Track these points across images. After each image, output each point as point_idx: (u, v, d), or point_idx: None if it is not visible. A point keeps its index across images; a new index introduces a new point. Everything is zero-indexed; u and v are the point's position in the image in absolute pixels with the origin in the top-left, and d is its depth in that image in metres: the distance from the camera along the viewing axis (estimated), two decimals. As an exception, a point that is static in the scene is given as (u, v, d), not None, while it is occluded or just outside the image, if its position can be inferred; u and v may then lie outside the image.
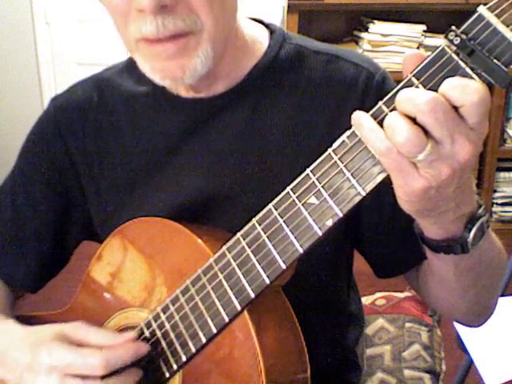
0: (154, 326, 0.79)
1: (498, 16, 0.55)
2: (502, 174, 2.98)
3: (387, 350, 1.19)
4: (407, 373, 1.15)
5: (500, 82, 0.56)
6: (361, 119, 0.59)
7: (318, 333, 0.90)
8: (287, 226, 0.67)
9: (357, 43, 2.91)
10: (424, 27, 2.83)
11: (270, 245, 0.68)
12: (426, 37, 2.84)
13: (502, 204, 2.99)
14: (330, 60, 0.87)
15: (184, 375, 0.77)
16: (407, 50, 2.84)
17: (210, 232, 0.82)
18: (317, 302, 0.89)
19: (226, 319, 0.72)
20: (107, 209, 0.92)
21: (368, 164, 0.60)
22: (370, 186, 0.61)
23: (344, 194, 0.62)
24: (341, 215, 0.63)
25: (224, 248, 0.72)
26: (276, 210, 0.67)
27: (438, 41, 2.75)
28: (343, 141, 0.62)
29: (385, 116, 0.58)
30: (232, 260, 0.72)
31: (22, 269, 0.96)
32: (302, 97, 0.85)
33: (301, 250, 0.66)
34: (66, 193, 0.94)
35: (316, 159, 0.64)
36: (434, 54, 0.57)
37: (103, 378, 0.74)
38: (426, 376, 1.14)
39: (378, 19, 2.83)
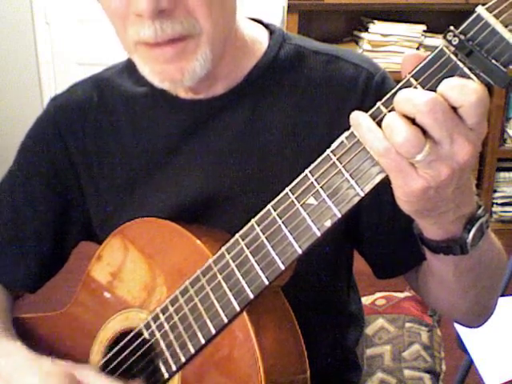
0: (154, 326, 0.79)
1: (496, 16, 0.55)
2: (502, 174, 2.98)
3: (387, 349, 1.19)
4: (407, 373, 1.15)
5: (499, 82, 0.56)
6: (359, 119, 0.59)
7: (318, 333, 0.90)
8: (286, 227, 0.67)
9: (357, 43, 2.91)
10: (424, 27, 2.83)
11: (268, 246, 0.68)
12: (426, 37, 2.84)
13: (502, 204, 2.99)
14: (330, 60, 0.87)
15: (183, 376, 0.77)
16: (407, 50, 2.84)
17: (209, 233, 0.82)
18: (317, 302, 0.89)
19: (225, 320, 0.72)
20: (107, 209, 0.92)
21: (367, 164, 0.60)
22: (368, 187, 0.61)
23: (343, 195, 0.62)
24: (339, 216, 0.63)
25: (223, 249, 0.72)
26: (275, 210, 0.67)
27: (438, 41, 2.75)
28: (342, 141, 0.62)
29: (383, 116, 0.58)
30: (231, 261, 0.72)
31: (22, 269, 0.96)
32: (301, 97, 0.85)
33: (300, 251, 0.66)
34: (65, 193, 0.94)
35: (315, 159, 0.64)
36: (433, 54, 0.57)
37: None
38: (426, 376, 1.14)
39: (378, 19, 2.83)
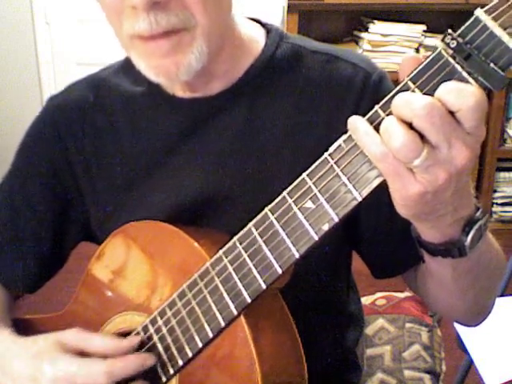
0: (151, 330, 0.79)
1: (494, 19, 0.54)
2: (502, 174, 2.98)
3: (387, 350, 1.19)
4: (407, 373, 1.14)
5: (496, 86, 0.55)
6: (356, 123, 0.58)
7: (318, 333, 0.90)
8: (283, 231, 0.66)
9: (357, 43, 2.91)
10: (424, 27, 2.83)
11: (266, 249, 0.68)
12: (425, 37, 2.84)
13: (502, 204, 2.99)
14: (328, 60, 0.87)
15: (181, 379, 0.77)
16: (407, 50, 2.84)
17: (208, 234, 0.82)
18: (316, 303, 0.89)
19: (223, 324, 0.72)
20: (106, 209, 0.92)
21: (364, 168, 0.60)
22: (366, 191, 0.60)
23: (340, 199, 0.62)
24: (337, 220, 0.63)
25: (220, 252, 0.72)
26: (272, 214, 0.67)
27: (438, 41, 2.75)
28: (339, 145, 0.61)
29: (381, 120, 0.57)
30: (229, 264, 0.71)
31: (21, 269, 0.96)
32: (299, 96, 0.85)
33: (297, 255, 0.66)
34: (64, 193, 0.93)
35: (314, 160, 0.63)
36: (431, 57, 0.57)
37: None
38: (426, 376, 1.14)
39: (378, 19, 2.83)
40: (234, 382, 0.72)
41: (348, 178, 0.61)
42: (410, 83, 0.57)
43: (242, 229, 0.71)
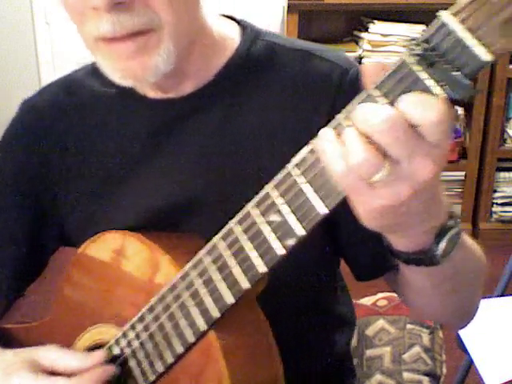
0: (123, 343, 0.78)
1: (461, 22, 0.50)
2: (502, 174, 2.97)
3: (387, 351, 1.19)
4: (406, 375, 1.14)
5: (462, 95, 0.51)
6: (321, 137, 0.55)
7: (306, 335, 0.89)
8: (251, 244, 0.64)
9: (357, 43, 2.91)
10: (424, 27, 2.81)
11: (233, 264, 0.66)
12: (426, 37, 2.83)
13: (502, 204, 2.99)
14: (304, 57, 0.85)
15: None
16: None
17: (181, 242, 0.81)
18: (301, 304, 0.88)
19: (193, 339, 0.70)
20: (81, 214, 0.90)
21: (330, 180, 0.57)
22: (332, 204, 0.57)
23: (306, 212, 0.59)
24: (303, 233, 0.60)
25: (189, 265, 0.70)
26: (240, 226, 0.65)
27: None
28: (305, 155, 0.58)
29: (343, 130, 0.54)
30: (197, 278, 0.69)
31: None
32: (275, 95, 0.83)
33: (264, 270, 0.64)
34: (39, 198, 0.92)
35: (290, 160, 0.60)
36: (395, 64, 0.53)
37: None
38: (426, 379, 1.14)
39: (378, 19, 2.83)
40: None
41: (314, 191, 0.58)
42: (373, 92, 0.54)
43: (218, 232, 0.68)
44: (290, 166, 0.60)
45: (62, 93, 0.92)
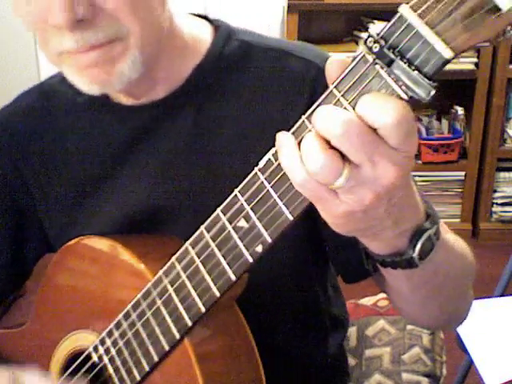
0: (101, 350, 0.77)
1: (421, 16, 0.47)
2: (502, 174, 2.97)
3: (387, 351, 1.18)
4: (405, 376, 1.14)
5: (422, 96, 0.49)
6: (282, 141, 0.54)
7: (296, 338, 0.88)
8: (219, 251, 0.63)
9: (357, 43, 2.90)
10: (424, 27, 2.82)
11: (203, 270, 0.65)
12: (425, 37, 2.83)
13: (502, 204, 2.99)
14: (279, 56, 0.83)
15: None
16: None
17: (156, 247, 0.80)
18: (289, 305, 0.87)
19: (167, 347, 0.69)
20: (58, 221, 0.90)
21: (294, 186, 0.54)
22: (297, 210, 0.55)
23: (272, 218, 0.57)
24: (270, 241, 0.58)
25: (161, 272, 0.70)
26: (208, 232, 0.64)
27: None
28: (269, 159, 0.56)
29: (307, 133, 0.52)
30: (169, 285, 0.69)
31: None
32: (249, 96, 0.82)
33: (234, 278, 0.62)
34: (18, 206, 0.91)
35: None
36: (354, 62, 0.51)
37: None
38: (425, 380, 1.13)
39: (378, 19, 2.83)
40: None
41: (279, 196, 0.56)
42: (335, 91, 0.51)
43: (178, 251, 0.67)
44: (256, 169, 0.58)
45: (36, 100, 0.91)
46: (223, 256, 0.63)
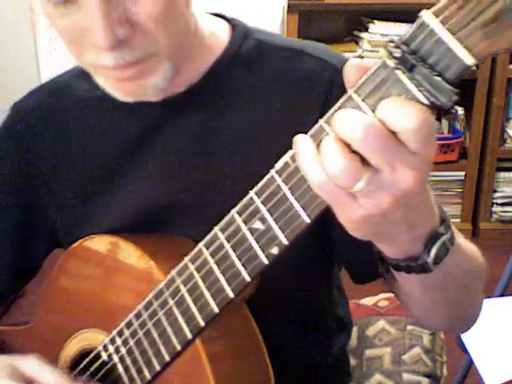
0: (111, 349, 0.77)
1: (443, 23, 0.48)
2: (502, 174, 2.97)
3: (387, 352, 1.18)
4: (406, 376, 1.14)
5: (444, 101, 0.49)
6: (301, 144, 0.53)
7: (301, 339, 0.88)
8: (234, 252, 0.63)
9: (357, 43, 2.91)
10: (424, 27, 2.82)
11: (217, 271, 0.65)
12: (426, 37, 2.83)
13: (502, 204, 2.99)
14: (293, 56, 0.83)
15: None
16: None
17: (168, 246, 0.80)
18: (294, 305, 0.87)
19: (179, 347, 0.70)
20: (69, 217, 0.90)
21: (311, 188, 0.54)
22: (314, 213, 0.55)
23: (288, 220, 0.57)
24: (286, 243, 0.58)
25: (174, 272, 0.70)
26: (223, 233, 0.64)
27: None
28: (286, 161, 0.56)
29: (325, 136, 0.52)
30: (182, 285, 0.69)
31: None
32: (262, 95, 0.82)
33: (248, 279, 0.62)
34: (28, 201, 0.92)
35: (275, 164, 0.59)
36: (375, 66, 0.51)
37: None
38: (425, 380, 1.13)
39: (378, 19, 2.83)
40: None
41: (295, 198, 0.56)
42: (354, 95, 0.51)
43: (204, 234, 0.67)
44: (272, 172, 0.58)
45: (48, 96, 0.91)
46: (238, 257, 0.63)
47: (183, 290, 0.68)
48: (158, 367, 0.72)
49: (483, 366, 1.43)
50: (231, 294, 0.64)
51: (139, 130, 0.84)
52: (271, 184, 0.58)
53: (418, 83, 0.49)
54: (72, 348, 0.84)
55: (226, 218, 0.63)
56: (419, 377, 1.14)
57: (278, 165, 0.57)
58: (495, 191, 2.99)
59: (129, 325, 0.75)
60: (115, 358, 0.76)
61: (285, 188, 0.57)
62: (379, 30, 2.82)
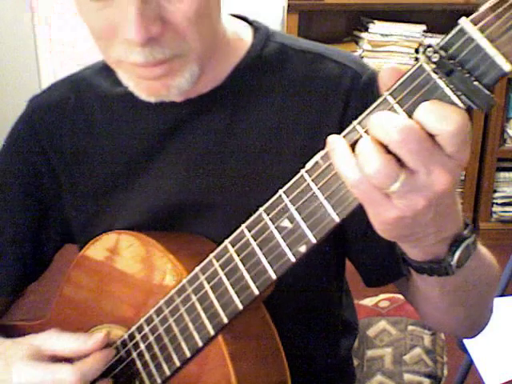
0: (130, 345, 0.77)
1: (481, 30, 0.49)
2: (502, 174, 2.97)
3: (388, 352, 1.18)
4: (407, 377, 1.14)
5: (481, 105, 0.50)
6: (335, 144, 0.55)
7: (311, 339, 0.88)
8: (260, 250, 0.64)
9: (357, 43, 2.91)
10: (424, 27, 2.82)
11: (243, 269, 0.65)
12: (425, 37, 2.83)
13: (502, 204, 2.99)
14: (315, 59, 0.84)
15: None
16: (407, 50, 2.84)
17: (188, 244, 0.81)
18: (307, 308, 0.87)
19: (200, 344, 0.70)
20: (86, 212, 0.90)
21: (342, 188, 0.56)
22: (345, 212, 0.57)
23: (318, 219, 0.58)
24: (314, 241, 0.59)
25: (197, 269, 0.70)
26: (249, 231, 0.64)
27: (438, 41, 2.74)
28: (316, 161, 0.58)
29: (359, 138, 0.54)
30: (205, 282, 0.69)
31: (1, 272, 0.94)
32: (284, 98, 0.83)
33: (274, 277, 0.63)
34: (43, 195, 0.92)
35: (297, 167, 0.60)
36: (412, 70, 0.52)
37: None
38: (427, 381, 1.13)
39: (378, 19, 2.83)
40: None
41: (326, 198, 0.57)
42: (389, 98, 0.53)
43: (223, 234, 0.68)
44: (302, 171, 0.59)
45: (69, 91, 0.91)
46: (264, 255, 0.63)
47: (207, 286, 0.69)
48: (178, 363, 0.72)
49: (483, 366, 1.43)
50: (256, 291, 0.65)
51: (163, 128, 0.85)
52: (301, 183, 0.59)
53: (455, 87, 0.51)
54: None
55: (254, 216, 0.64)
56: (420, 377, 1.14)
57: (309, 164, 0.58)
58: (495, 191, 2.99)
59: (149, 320, 0.75)
60: (134, 354, 0.77)
61: (315, 187, 0.58)
62: (379, 29, 2.82)
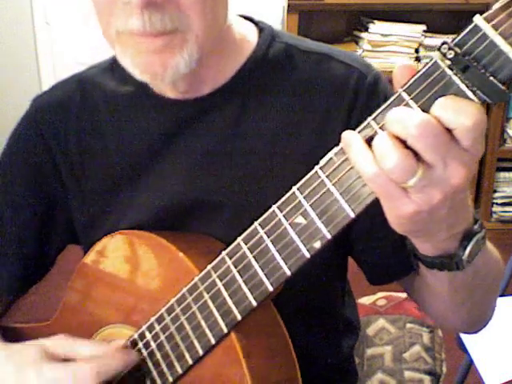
0: (140, 344, 0.77)
1: (495, 27, 0.50)
2: (502, 174, 2.97)
3: (388, 350, 1.19)
4: (407, 374, 1.14)
5: (496, 100, 0.52)
6: (351, 140, 0.55)
7: (314, 339, 0.89)
8: (274, 247, 0.64)
9: (357, 43, 2.91)
10: (424, 27, 2.83)
11: (256, 266, 0.66)
12: (425, 37, 2.84)
13: (502, 204, 2.99)
14: (320, 60, 0.85)
15: None
16: (407, 50, 2.84)
17: (197, 243, 0.80)
18: (311, 307, 0.87)
19: (213, 341, 0.70)
20: (91, 211, 0.90)
21: (357, 184, 0.57)
22: (359, 208, 0.57)
23: (332, 215, 0.59)
24: (329, 237, 0.60)
25: (209, 267, 0.70)
26: (262, 228, 0.64)
27: (438, 41, 2.75)
28: (331, 158, 0.58)
29: (374, 134, 0.54)
30: (218, 280, 0.69)
31: (4, 272, 0.94)
32: (290, 98, 0.83)
33: (288, 273, 0.63)
34: (47, 195, 0.92)
35: (305, 165, 0.61)
36: (427, 67, 0.53)
37: None
38: (427, 378, 1.14)
39: (378, 19, 2.83)
40: None
41: (340, 194, 0.58)
42: (404, 94, 0.54)
43: (228, 233, 0.68)
44: (316, 168, 0.59)
45: (74, 91, 0.91)
46: (278, 251, 0.64)
47: (219, 284, 0.69)
48: (190, 361, 0.72)
49: (483, 366, 1.43)
50: (270, 288, 0.65)
51: (168, 127, 0.85)
52: (315, 180, 0.59)
53: (471, 83, 0.52)
54: None
55: (267, 213, 0.64)
56: (420, 374, 1.14)
57: (323, 161, 0.59)
58: (495, 191, 2.99)
59: (160, 319, 0.75)
60: (144, 353, 0.77)
61: (329, 183, 0.58)
62: (379, 29, 2.82)
